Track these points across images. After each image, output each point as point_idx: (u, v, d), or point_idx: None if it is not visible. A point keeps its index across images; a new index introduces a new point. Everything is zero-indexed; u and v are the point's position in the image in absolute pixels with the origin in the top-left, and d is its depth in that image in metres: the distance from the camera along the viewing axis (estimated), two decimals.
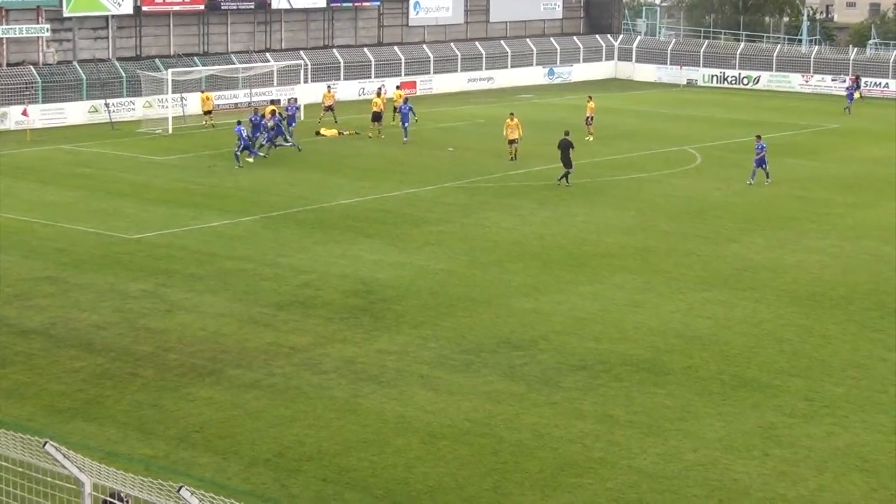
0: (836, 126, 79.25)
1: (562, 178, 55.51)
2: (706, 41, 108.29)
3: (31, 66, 76.79)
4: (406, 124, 68.41)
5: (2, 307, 36.73)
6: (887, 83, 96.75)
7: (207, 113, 74.03)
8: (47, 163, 61.46)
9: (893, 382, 31.41)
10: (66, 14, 79.49)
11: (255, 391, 29.98)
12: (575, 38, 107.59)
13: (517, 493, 24.27)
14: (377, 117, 70.01)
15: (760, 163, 55.95)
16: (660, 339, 34.42)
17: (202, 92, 75.57)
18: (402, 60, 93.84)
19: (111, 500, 18.08)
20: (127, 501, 18.05)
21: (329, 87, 79.30)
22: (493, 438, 26.98)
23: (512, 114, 63.67)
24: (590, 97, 72.22)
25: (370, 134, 69.67)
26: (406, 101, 70.49)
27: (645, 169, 60.77)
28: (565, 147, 55.88)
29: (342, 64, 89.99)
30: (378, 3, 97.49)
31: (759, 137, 56.50)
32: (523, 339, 33.85)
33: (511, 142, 61.96)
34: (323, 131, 70.70)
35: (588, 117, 69.68)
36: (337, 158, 62.67)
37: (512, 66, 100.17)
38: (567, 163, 55.61)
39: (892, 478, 25.69)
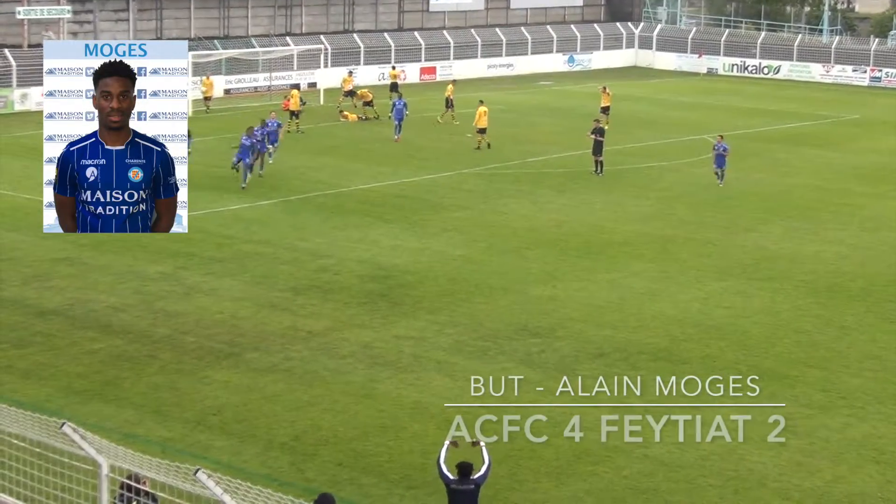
0: (856, 117, 79.03)
1: (597, 169, 55.38)
2: (727, 30, 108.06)
3: None
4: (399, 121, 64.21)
5: (21, 288, 36.86)
6: None
7: (207, 99, 72.75)
8: None
9: None
10: None
11: (273, 375, 30.04)
12: (595, 25, 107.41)
13: (532, 480, 24.30)
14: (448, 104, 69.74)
15: (720, 163, 52.96)
16: (677, 329, 34.39)
17: (208, 77, 74.17)
18: (423, 46, 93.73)
19: (129, 482, 18.13)
20: (144, 483, 18.11)
21: (350, 71, 79.15)
22: (510, 425, 26.99)
23: (481, 101, 63.52)
24: (605, 87, 71.90)
25: (440, 119, 69.60)
26: (400, 96, 67.17)
27: (664, 157, 60.68)
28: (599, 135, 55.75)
29: (362, 49, 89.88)
30: None
31: (721, 137, 54.26)
32: (540, 327, 33.85)
33: (480, 130, 61.51)
34: (346, 113, 70.45)
35: (603, 107, 68.93)
36: (356, 143, 62.68)
37: (532, 53, 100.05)
38: (598, 151, 55.38)
39: None
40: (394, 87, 78.89)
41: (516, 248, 42.26)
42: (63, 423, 18.39)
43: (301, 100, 75.24)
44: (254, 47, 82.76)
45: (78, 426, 18.47)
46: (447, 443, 20.87)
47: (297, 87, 71.54)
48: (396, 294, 37.03)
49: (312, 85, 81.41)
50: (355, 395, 28.92)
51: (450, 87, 71.89)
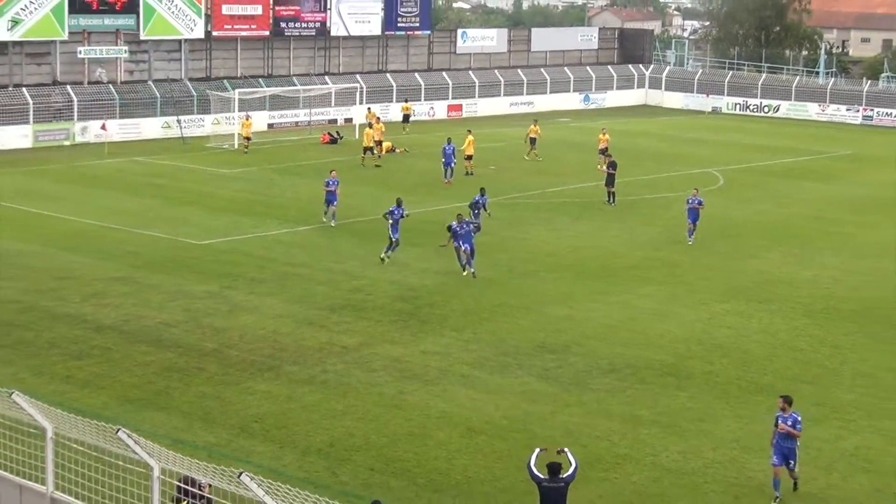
0: (848, 152, 78.85)
1: (610, 199, 55.46)
2: (730, 72, 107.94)
3: (110, 84, 77.32)
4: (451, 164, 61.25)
5: (80, 305, 37.02)
6: None
7: (247, 139, 70.28)
8: (123, 173, 61.86)
9: None
10: (142, 37, 79.85)
11: (310, 386, 30.11)
12: (609, 67, 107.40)
13: None
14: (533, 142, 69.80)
15: (693, 217, 47.19)
16: (683, 346, 34.37)
17: (245, 117, 72.52)
18: (450, 85, 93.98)
19: (186, 486, 18.19)
20: (205, 489, 18.13)
21: (369, 108, 78.73)
22: (527, 434, 27.00)
23: (469, 130, 63.98)
24: (603, 129, 70.61)
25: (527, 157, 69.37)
26: (449, 141, 61.90)
27: (672, 189, 60.62)
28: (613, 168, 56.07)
29: (395, 87, 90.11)
30: (428, 32, 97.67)
31: (696, 191, 48.58)
32: (557, 344, 33.86)
33: (467, 157, 62.33)
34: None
35: (601, 149, 66.42)
36: (387, 174, 62.75)
37: (551, 92, 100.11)
38: (611, 183, 55.59)
39: (895, 478, 25.63)
40: (406, 118, 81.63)
41: (535, 271, 42.28)
42: (118, 429, 18.48)
43: (338, 133, 75.50)
44: (295, 85, 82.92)
45: (132, 432, 18.57)
46: (538, 450, 21.43)
47: (370, 125, 69.11)
48: (424, 313, 37.08)
49: (348, 121, 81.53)
50: (386, 405, 28.96)
51: (532, 126, 71.60)
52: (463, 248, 41.06)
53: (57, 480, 19.89)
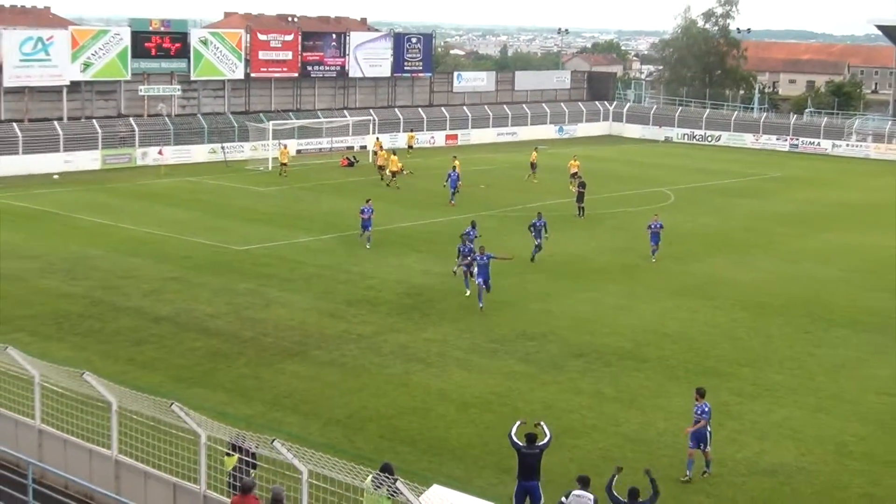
0: (778, 175, 78.79)
1: (580, 213, 55.47)
2: (680, 107, 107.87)
3: (166, 117, 77.29)
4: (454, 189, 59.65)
5: (140, 300, 36.98)
6: (819, 142, 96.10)
7: (283, 165, 68.64)
8: (176, 191, 61.81)
9: (819, 372, 31.28)
10: (192, 78, 79.85)
11: (331, 368, 30.06)
12: (579, 103, 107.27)
13: None
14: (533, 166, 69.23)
15: (655, 240, 45.31)
16: (640, 335, 34.33)
17: (282, 147, 71.91)
18: (448, 118, 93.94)
19: (236, 444, 18.10)
20: (250, 449, 18.07)
21: (377, 138, 78.45)
22: (511, 408, 26.96)
23: (455, 156, 65.23)
24: (574, 157, 69.06)
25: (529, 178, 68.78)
26: (455, 168, 61.54)
27: (631, 204, 60.59)
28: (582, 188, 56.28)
29: (401, 119, 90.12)
30: (430, 74, 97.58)
31: (656, 216, 46.46)
32: (536, 333, 33.81)
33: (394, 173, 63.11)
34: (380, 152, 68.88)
35: (573, 173, 65.13)
36: (394, 192, 62.66)
37: (531, 124, 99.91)
38: (580, 199, 55.68)
39: (817, 445, 25.57)
40: (409, 147, 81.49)
41: (519, 272, 42.20)
42: (172, 403, 18.47)
43: (355, 158, 75.36)
44: (319, 118, 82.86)
45: (183, 406, 18.55)
46: (518, 422, 21.29)
47: (394, 151, 68.23)
48: (426, 307, 37.02)
49: (363, 147, 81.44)
50: (394, 383, 28.92)
51: (533, 153, 71.43)
52: (477, 281, 36.60)
53: (120, 445, 19.88)
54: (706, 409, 23.19)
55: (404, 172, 68.92)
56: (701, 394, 23.46)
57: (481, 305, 36.36)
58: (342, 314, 35.70)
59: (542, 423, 21.38)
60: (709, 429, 23.31)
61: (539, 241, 43.93)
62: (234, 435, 18.08)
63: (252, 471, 17.99)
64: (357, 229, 47.38)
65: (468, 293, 37.63)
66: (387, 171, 65.47)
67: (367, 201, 47.52)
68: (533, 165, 69.83)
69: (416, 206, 57.42)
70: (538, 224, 44.49)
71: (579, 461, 23.79)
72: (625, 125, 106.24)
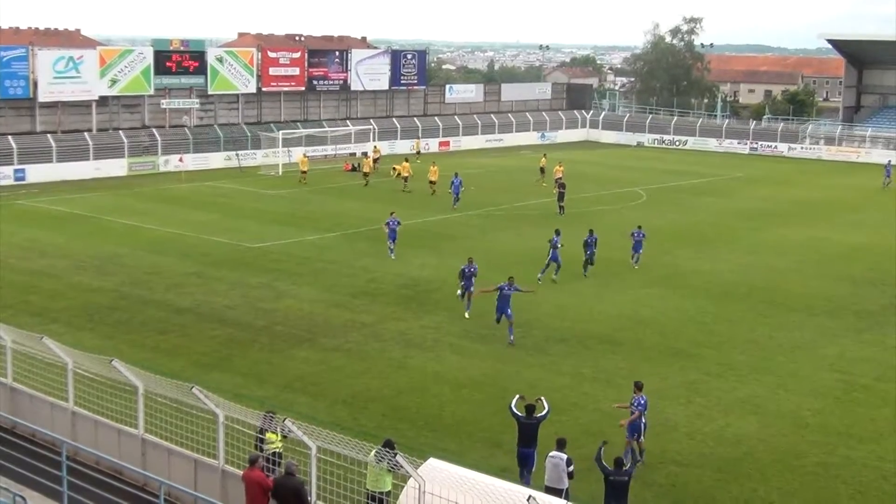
0: (740, 175, 78.80)
1: (560, 211, 55.41)
2: (650, 115, 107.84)
3: (186, 128, 77.20)
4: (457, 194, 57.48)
5: (164, 293, 36.92)
6: (776, 145, 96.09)
7: (304, 172, 67.52)
8: (196, 194, 61.70)
9: (778, 353, 31.33)
10: (209, 92, 79.72)
11: (337, 353, 30.04)
12: (559, 112, 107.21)
13: (513, 426, 24.20)
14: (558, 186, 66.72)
15: (637, 248, 43.13)
16: (616, 321, 34.34)
17: (303, 155, 71.14)
18: (440, 126, 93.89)
19: (264, 424, 17.98)
20: (277, 427, 17.95)
21: (375, 146, 78.31)
22: (500, 388, 26.96)
23: (434, 162, 64.44)
24: (560, 163, 67.60)
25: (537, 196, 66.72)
26: (457, 175, 59.16)
27: (607, 203, 60.59)
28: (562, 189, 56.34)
29: (399, 128, 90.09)
30: (424, 86, 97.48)
31: (639, 227, 43.81)
32: (522, 320, 33.70)
33: (431, 182, 61.59)
34: (396, 166, 68.52)
35: (557, 178, 62.71)
36: (392, 195, 62.55)
37: (516, 131, 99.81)
38: (561, 199, 55.68)
39: (776, 418, 25.61)
40: (418, 152, 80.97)
41: (506, 266, 42.07)
42: (192, 387, 18.44)
43: (357, 164, 75.20)
44: (324, 127, 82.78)
45: (202, 389, 18.52)
46: (517, 396, 21.45)
47: (406, 158, 67.74)
48: (422, 297, 37.00)
49: (364, 154, 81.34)
50: (394, 367, 28.91)
51: (542, 159, 70.74)
52: (506, 313, 31.83)
53: (146, 425, 19.84)
54: (642, 402, 22.30)
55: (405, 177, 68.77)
56: (639, 387, 22.59)
57: (511, 339, 31.40)
58: (347, 305, 35.66)
59: (542, 398, 21.54)
60: (643, 420, 22.39)
61: (588, 253, 41.18)
62: (265, 414, 17.95)
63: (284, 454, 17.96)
64: (385, 241, 44.09)
65: (467, 316, 34.06)
66: (399, 175, 65.35)
67: (392, 213, 44.77)
68: (542, 170, 69.21)
69: (411, 207, 57.30)
70: (590, 240, 41.38)
71: (562, 435, 23.75)
72: (601, 132, 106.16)
